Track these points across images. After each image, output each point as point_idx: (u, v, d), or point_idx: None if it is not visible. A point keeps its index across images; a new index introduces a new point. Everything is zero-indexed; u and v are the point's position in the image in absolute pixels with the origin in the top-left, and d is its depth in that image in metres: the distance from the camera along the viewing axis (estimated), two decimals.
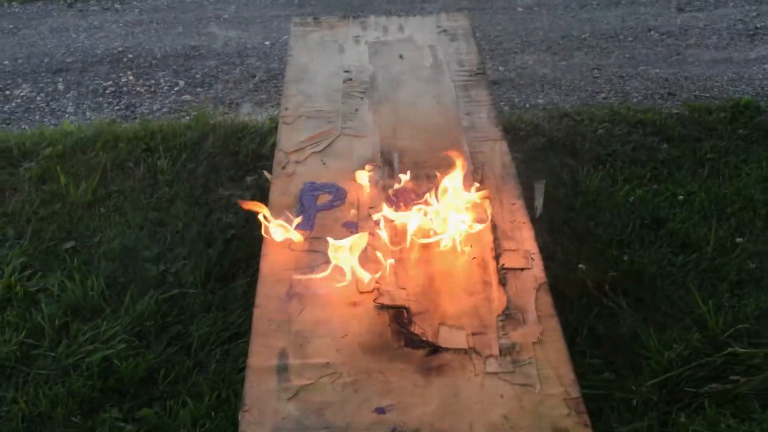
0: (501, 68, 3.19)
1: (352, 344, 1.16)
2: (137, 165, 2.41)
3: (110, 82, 3.13)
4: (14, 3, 3.90)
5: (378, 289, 1.30)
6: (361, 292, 1.29)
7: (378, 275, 1.32)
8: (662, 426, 1.51)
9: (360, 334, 1.19)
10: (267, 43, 3.42)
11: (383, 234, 1.40)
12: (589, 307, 1.75)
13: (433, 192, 1.45)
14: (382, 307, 1.26)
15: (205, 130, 2.62)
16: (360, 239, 1.32)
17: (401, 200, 1.49)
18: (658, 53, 3.29)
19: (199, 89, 3.09)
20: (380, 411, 1.03)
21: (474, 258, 1.37)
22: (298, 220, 1.45)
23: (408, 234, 1.40)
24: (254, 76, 3.16)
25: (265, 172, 1.81)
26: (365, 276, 1.31)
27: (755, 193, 2.22)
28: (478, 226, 1.40)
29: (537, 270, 1.34)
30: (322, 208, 1.51)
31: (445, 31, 2.15)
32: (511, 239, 1.42)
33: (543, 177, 2.02)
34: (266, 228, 1.42)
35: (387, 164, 1.65)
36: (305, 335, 1.18)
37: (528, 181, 1.90)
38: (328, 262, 1.34)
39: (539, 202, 1.92)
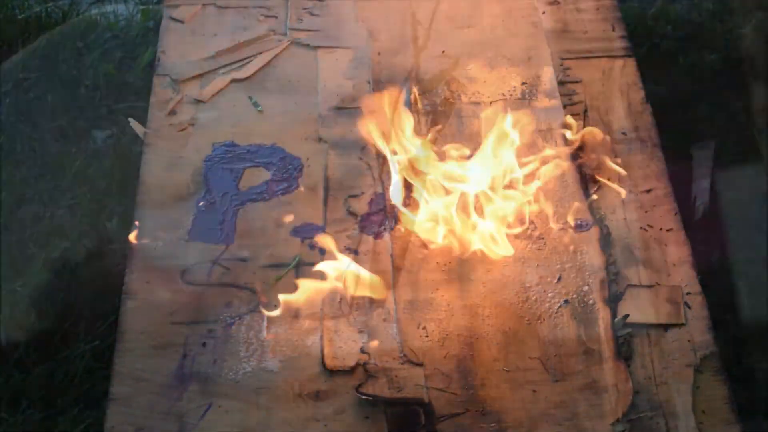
0: None
1: None
2: None
3: None
4: None
5: (365, 364, 1.31)
6: (333, 371, 1.31)
7: (367, 337, 1.34)
8: None
9: None
10: None
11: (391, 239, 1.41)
12: None
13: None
14: (376, 403, 1.27)
15: (6, 34, 2.62)
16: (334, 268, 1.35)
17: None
18: None
19: None
20: None
21: (567, 300, 1.40)
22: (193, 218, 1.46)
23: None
24: None
25: (133, 122, 1.79)
26: (343, 339, 1.32)
27: None
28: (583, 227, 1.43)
29: (697, 327, 1.35)
30: (250, 198, 1.54)
31: None
32: (645, 264, 1.43)
33: (710, 136, 2.02)
34: (133, 236, 1.45)
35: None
36: None
37: (680, 143, 1.88)
38: (258, 311, 1.36)
39: (703, 188, 1.92)
